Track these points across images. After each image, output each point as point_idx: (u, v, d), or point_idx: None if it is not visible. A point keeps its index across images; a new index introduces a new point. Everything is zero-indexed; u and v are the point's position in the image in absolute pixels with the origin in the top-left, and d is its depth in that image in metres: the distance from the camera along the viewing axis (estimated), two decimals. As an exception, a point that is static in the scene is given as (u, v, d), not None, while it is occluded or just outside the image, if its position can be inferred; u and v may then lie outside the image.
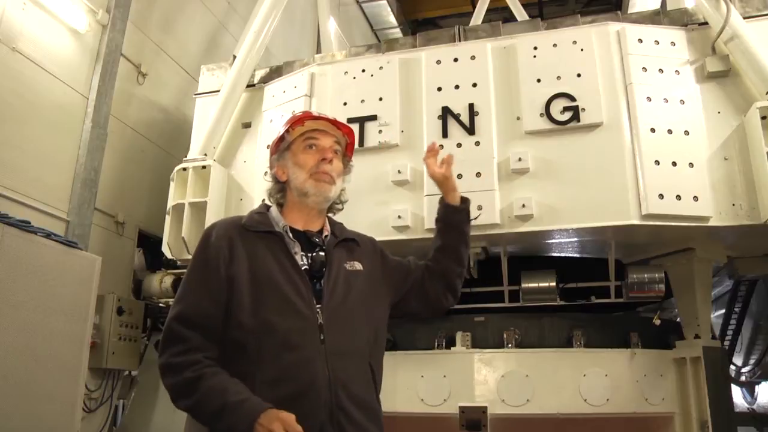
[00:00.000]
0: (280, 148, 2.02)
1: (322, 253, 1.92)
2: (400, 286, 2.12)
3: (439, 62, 4.24)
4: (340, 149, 2.03)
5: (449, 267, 2.17)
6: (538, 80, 3.99)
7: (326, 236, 1.99)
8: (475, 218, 2.27)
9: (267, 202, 2.07)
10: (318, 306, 1.81)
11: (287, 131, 2.01)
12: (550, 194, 3.77)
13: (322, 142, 1.97)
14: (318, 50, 9.32)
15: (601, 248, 4.17)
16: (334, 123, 2.04)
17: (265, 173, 2.18)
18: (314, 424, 1.67)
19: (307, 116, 2.01)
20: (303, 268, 1.87)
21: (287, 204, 2.00)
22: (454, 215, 2.18)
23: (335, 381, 1.74)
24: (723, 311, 6.09)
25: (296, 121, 2.00)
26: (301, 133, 2.00)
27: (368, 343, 1.88)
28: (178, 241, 4.51)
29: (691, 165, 3.67)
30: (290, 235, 1.92)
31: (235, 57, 5.19)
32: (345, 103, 4.33)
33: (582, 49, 3.99)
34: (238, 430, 1.59)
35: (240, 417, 1.59)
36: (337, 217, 2.12)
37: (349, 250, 2.02)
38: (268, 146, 2.09)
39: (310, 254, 1.91)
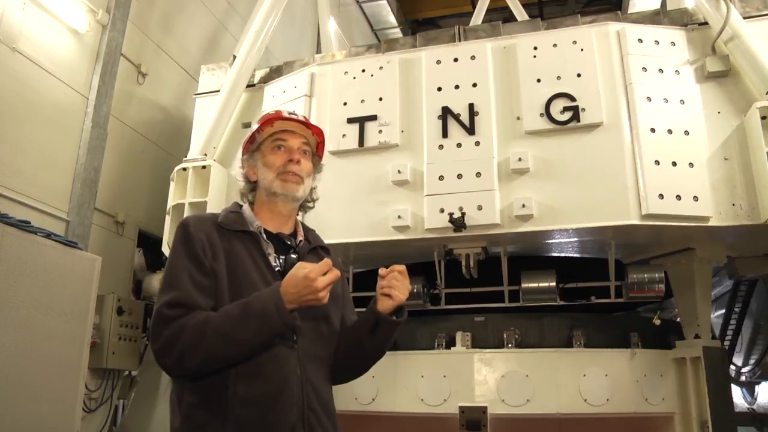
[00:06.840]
0: (251, 148, 2.05)
1: (294, 256, 1.94)
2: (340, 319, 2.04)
3: (439, 62, 4.24)
4: (309, 149, 2.05)
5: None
6: (538, 80, 3.99)
7: (300, 241, 2.01)
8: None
9: (240, 201, 2.09)
10: None
11: (257, 131, 2.03)
12: (550, 194, 3.77)
13: (290, 142, 2.00)
14: (318, 50, 9.33)
15: (601, 248, 4.17)
16: (305, 123, 2.05)
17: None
18: (286, 424, 1.70)
19: (276, 117, 2.02)
20: (276, 269, 1.89)
21: (257, 203, 2.02)
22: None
23: (306, 382, 1.77)
24: (723, 311, 6.10)
25: (266, 122, 2.02)
26: (270, 134, 2.02)
27: (331, 352, 1.91)
28: (178, 241, 4.50)
29: (691, 165, 3.67)
30: (264, 236, 1.94)
31: (235, 57, 5.19)
32: (345, 103, 4.33)
33: (582, 49, 3.99)
34: (271, 320, 1.65)
35: (265, 309, 1.66)
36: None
37: (320, 259, 2.03)
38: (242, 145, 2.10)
39: (283, 256, 1.93)
